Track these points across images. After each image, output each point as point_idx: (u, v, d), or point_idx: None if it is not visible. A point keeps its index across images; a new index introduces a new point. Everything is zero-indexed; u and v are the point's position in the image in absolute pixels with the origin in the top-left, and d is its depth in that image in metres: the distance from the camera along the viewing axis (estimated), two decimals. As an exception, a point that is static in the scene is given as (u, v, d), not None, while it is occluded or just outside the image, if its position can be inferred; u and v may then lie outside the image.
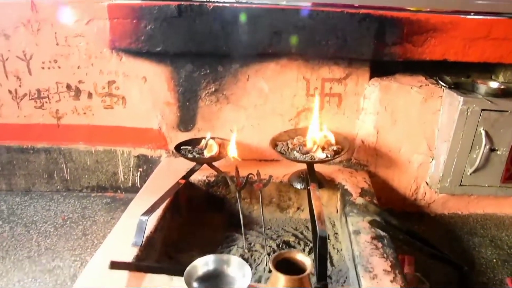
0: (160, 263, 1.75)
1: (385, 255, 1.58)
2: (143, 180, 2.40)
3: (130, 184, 2.49)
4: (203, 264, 1.44)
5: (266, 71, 2.18)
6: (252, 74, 2.19)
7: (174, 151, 2.16)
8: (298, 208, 2.21)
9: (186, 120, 2.32)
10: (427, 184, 2.30)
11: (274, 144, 2.07)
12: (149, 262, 1.63)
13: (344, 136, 2.10)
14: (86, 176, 2.49)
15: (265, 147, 2.26)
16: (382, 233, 1.72)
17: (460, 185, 2.18)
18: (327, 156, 1.93)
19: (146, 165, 2.43)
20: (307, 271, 1.30)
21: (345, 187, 2.08)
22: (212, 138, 2.14)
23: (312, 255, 1.83)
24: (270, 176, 1.93)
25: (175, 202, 2.00)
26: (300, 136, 2.12)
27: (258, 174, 1.92)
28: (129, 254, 1.56)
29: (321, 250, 1.49)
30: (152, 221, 1.74)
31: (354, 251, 1.64)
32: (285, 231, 2.12)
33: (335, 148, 1.99)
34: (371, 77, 2.20)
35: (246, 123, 2.30)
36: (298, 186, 2.04)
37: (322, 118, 2.20)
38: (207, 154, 2.05)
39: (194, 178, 2.13)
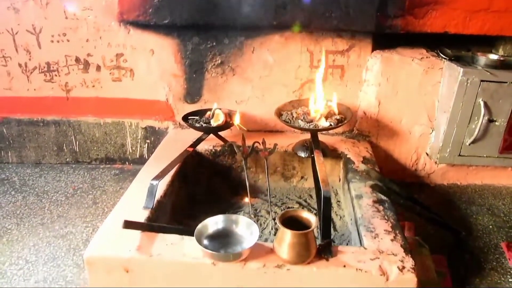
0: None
1: (386, 217, 1.64)
2: (151, 151, 2.44)
3: (138, 156, 2.55)
4: (213, 223, 1.50)
5: (271, 43, 2.21)
6: (257, 46, 2.22)
7: (181, 121, 2.21)
8: (302, 177, 2.27)
9: (193, 92, 2.35)
10: (427, 154, 2.35)
11: (279, 113, 2.11)
12: (160, 223, 1.69)
13: (346, 106, 2.14)
14: (95, 148, 2.55)
15: (270, 118, 2.31)
16: (383, 197, 1.77)
17: (459, 155, 2.22)
18: (330, 125, 1.97)
19: (154, 137, 2.48)
20: (312, 227, 1.36)
21: (348, 156, 2.13)
22: (219, 108, 2.18)
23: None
24: (275, 144, 1.98)
25: (182, 170, 2.04)
26: (304, 106, 2.16)
27: (264, 142, 1.97)
28: (141, 217, 1.61)
29: (325, 209, 1.54)
30: (161, 187, 1.79)
31: (357, 214, 1.70)
32: (289, 199, 2.17)
33: (338, 117, 2.03)
34: (373, 49, 2.22)
35: (251, 95, 2.33)
36: (302, 154, 2.09)
37: (325, 89, 2.25)
38: (214, 123, 2.09)
39: (201, 147, 2.18)
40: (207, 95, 2.35)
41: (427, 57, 2.20)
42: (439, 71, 2.17)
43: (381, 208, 1.70)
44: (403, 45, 2.31)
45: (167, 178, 1.84)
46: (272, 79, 2.29)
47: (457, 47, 2.28)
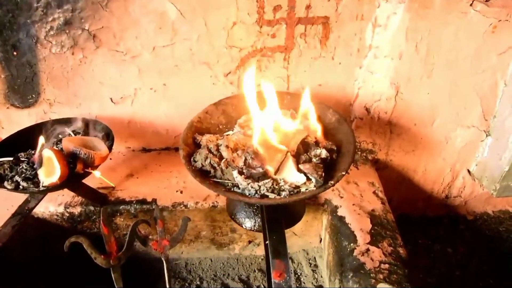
0: None
1: None
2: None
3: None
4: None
5: (169, -24, 0.94)
6: (139, -16, 0.94)
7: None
8: (250, 242, 1.15)
9: (21, 86, 1.04)
10: (469, 173, 1.25)
11: (191, 145, 0.86)
12: None
13: (338, 115, 0.90)
14: None
15: (177, 125, 1.12)
16: None
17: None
18: (308, 180, 0.76)
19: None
20: None
21: (339, 213, 0.98)
22: (56, 142, 0.94)
23: None
24: (185, 220, 0.83)
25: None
26: (249, 117, 0.94)
27: (158, 215, 0.82)
28: None
29: None
30: None
31: None
32: (230, 278, 1.07)
33: (322, 153, 0.83)
34: (388, -19, 1.00)
35: (140, 84, 1.05)
36: (248, 224, 0.93)
37: (291, 68, 1.05)
38: (44, 179, 0.86)
39: (44, 210, 1.00)
40: (52, 90, 1.05)
41: (495, -3, 1.00)
42: (514, 27, 1.00)
43: None
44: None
45: None
46: (179, 51, 1.00)
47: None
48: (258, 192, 0.75)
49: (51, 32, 0.96)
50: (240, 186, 0.76)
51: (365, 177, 1.08)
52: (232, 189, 0.76)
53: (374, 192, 1.03)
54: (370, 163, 1.14)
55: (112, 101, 1.06)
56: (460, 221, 1.28)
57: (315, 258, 1.11)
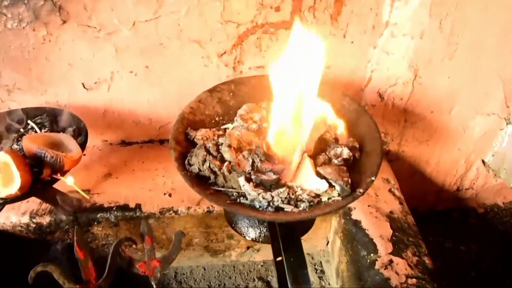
0: None
1: None
2: None
3: None
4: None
5: None
6: None
7: None
8: (248, 248, 1.02)
9: None
10: (483, 163, 1.15)
11: (183, 143, 0.70)
12: None
13: (354, 101, 0.76)
14: None
15: (162, 114, 0.96)
16: None
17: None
18: (330, 187, 0.63)
19: None
20: None
21: (354, 217, 0.84)
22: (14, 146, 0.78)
23: None
24: (179, 236, 0.70)
25: None
26: (252, 109, 0.77)
27: (146, 230, 0.68)
28: None
29: None
30: None
31: None
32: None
33: (344, 152, 0.67)
34: None
35: (118, 67, 0.87)
36: (252, 234, 0.79)
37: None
38: (0, 188, 0.72)
39: (4, 221, 0.83)
40: (10, 74, 0.85)
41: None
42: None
43: None
44: None
45: None
46: (165, 27, 0.83)
47: None
48: (271, 204, 0.60)
49: (5, 2, 0.76)
50: (248, 197, 0.62)
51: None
52: (238, 200, 0.62)
53: (390, 190, 0.91)
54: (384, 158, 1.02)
55: (84, 87, 0.88)
56: (471, 214, 1.19)
57: (321, 262, 1.00)
